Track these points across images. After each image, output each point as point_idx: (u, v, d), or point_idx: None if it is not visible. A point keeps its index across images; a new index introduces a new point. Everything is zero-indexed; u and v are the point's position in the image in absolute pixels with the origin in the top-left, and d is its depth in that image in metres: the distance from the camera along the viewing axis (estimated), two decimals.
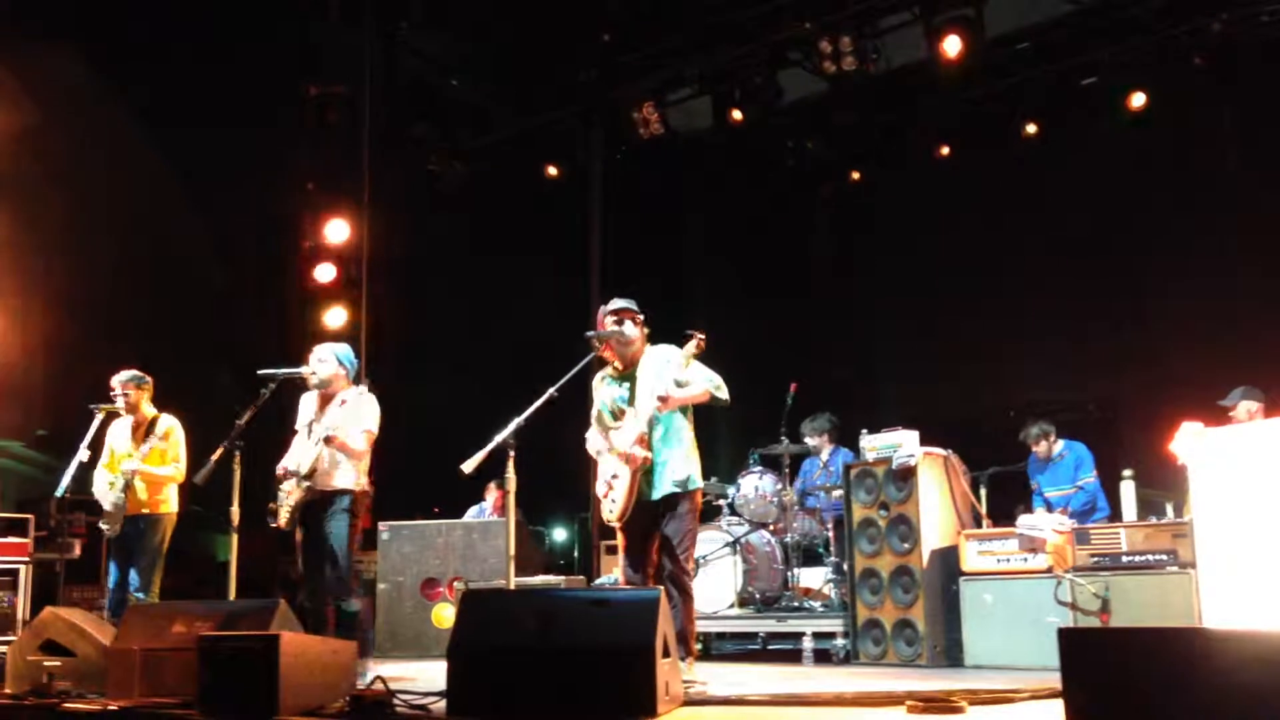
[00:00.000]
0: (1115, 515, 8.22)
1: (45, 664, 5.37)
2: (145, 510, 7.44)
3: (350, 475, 6.52)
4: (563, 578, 9.17)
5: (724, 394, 5.84)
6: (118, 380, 7.55)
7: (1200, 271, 10.40)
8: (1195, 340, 10.01)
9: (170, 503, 7.57)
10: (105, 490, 7.49)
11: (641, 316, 5.95)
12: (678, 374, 5.77)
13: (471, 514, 10.42)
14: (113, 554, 7.56)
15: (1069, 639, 3.29)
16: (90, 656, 5.38)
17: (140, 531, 7.41)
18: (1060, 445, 8.80)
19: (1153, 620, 6.42)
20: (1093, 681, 3.24)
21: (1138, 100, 10.75)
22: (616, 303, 6.00)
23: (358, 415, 6.55)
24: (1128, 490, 7.85)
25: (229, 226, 11.10)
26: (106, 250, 10.11)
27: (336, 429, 6.41)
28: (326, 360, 6.62)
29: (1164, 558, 6.64)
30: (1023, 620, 6.98)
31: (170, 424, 7.55)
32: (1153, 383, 10.18)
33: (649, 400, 5.73)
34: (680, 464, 5.81)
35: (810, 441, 9.09)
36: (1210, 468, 5.60)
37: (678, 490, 5.77)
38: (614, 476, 5.83)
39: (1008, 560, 7.24)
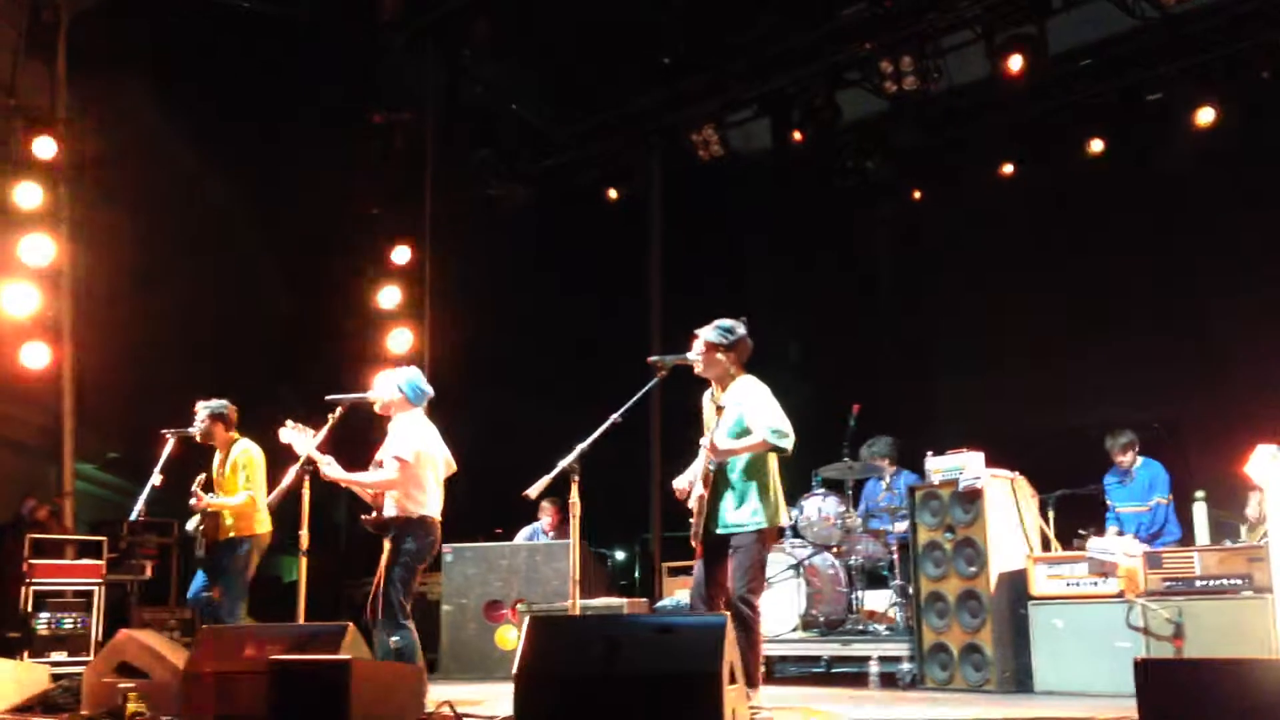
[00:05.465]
0: (1187, 538, 8.08)
1: (120, 686, 5.47)
2: (229, 535, 7.47)
3: (391, 504, 6.30)
4: (625, 600, 9.14)
5: (786, 443, 5.59)
6: (198, 406, 7.66)
7: (1268, 290, 10.19)
8: (1263, 360, 9.79)
9: (252, 526, 7.50)
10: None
11: (722, 343, 5.77)
12: (746, 416, 5.68)
13: (524, 534, 10.45)
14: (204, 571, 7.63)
15: (1146, 670, 3.24)
16: (164, 679, 5.47)
17: (219, 557, 7.48)
18: (1139, 461, 8.65)
19: (1228, 647, 6.30)
20: (1169, 714, 3.19)
21: (1205, 116, 10.57)
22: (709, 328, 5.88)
23: (391, 442, 6.39)
24: (1200, 512, 7.72)
25: (296, 253, 11.28)
26: (179, 278, 10.31)
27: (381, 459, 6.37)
28: (385, 386, 6.56)
29: (1239, 582, 6.50)
30: (1094, 646, 6.87)
31: (237, 453, 7.60)
32: (1219, 403, 9.99)
33: (718, 436, 5.67)
34: (739, 504, 5.67)
35: (871, 464, 9.03)
36: None
37: (735, 530, 5.65)
38: (700, 497, 5.76)
39: (1078, 584, 7.12)
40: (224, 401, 7.72)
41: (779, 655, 8.77)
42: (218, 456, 7.68)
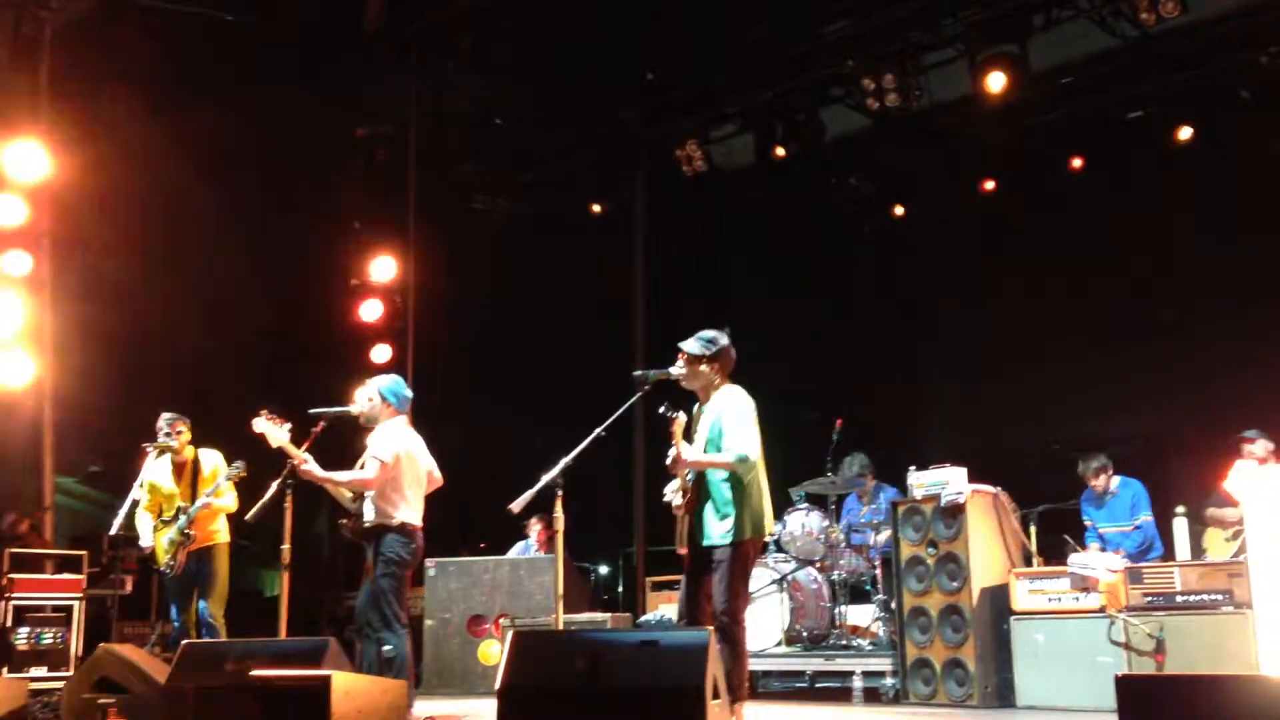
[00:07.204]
0: (1168, 554, 8.10)
1: (100, 701, 5.42)
2: (205, 544, 7.53)
3: (370, 511, 6.36)
4: (608, 615, 9.13)
5: (746, 466, 5.56)
6: (166, 420, 7.63)
7: (1248, 305, 10.25)
8: (1245, 375, 9.85)
9: (225, 532, 7.67)
10: (149, 529, 7.59)
11: (705, 354, 5.74)
12: (722, 428, 5.66)
13: (517, 550, 10.43)
14: (172, 592, 7.61)
15: (1127, 687, 3.25)
16: (144, 694, 5.44)
17: (205, 565, 7.52)
18: (1116, 481, 8.62)
19: (1209, 661, 6.33)
20: None
21: (1184, 134, 10.68)
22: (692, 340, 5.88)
23: (371, 444, 6.42)
24: (1180, 528, 7.73)
25: (278, 266, 11.25)
26: (161, 291, 10.29)
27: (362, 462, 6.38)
28: (371, 397, 6.60)
29: (1219, 598, 6.54)
30: (1075, 660, 6.90)
31: (218, 458, 7.70)
32: (1199, 419, 10.02)
33: (697, 446, 5.69)
34: (720, 517, 5.64)
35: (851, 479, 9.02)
36: (1267, 506, 5.53)
37: (717, 543, 5.63)
38: (679, 507, 5.75)
39: (1059, 599, 7.15)
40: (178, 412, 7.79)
41: (762, 670, 8.77)
42: (168, 466, 7.63)
